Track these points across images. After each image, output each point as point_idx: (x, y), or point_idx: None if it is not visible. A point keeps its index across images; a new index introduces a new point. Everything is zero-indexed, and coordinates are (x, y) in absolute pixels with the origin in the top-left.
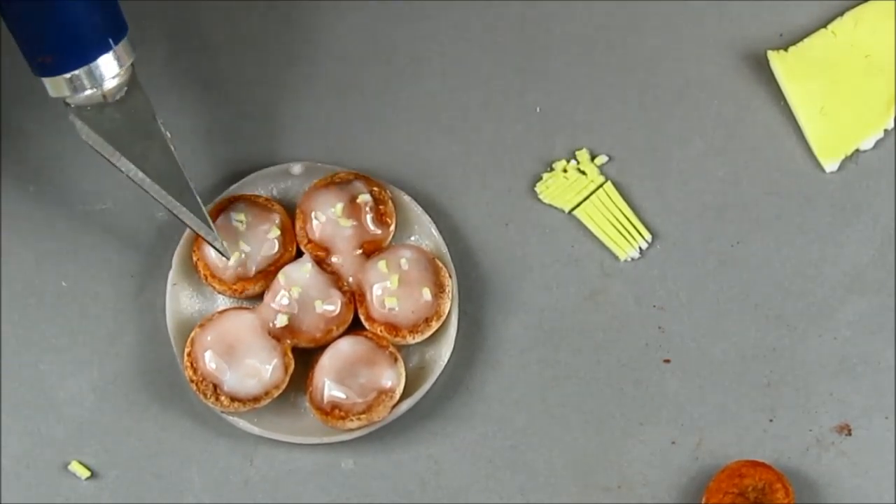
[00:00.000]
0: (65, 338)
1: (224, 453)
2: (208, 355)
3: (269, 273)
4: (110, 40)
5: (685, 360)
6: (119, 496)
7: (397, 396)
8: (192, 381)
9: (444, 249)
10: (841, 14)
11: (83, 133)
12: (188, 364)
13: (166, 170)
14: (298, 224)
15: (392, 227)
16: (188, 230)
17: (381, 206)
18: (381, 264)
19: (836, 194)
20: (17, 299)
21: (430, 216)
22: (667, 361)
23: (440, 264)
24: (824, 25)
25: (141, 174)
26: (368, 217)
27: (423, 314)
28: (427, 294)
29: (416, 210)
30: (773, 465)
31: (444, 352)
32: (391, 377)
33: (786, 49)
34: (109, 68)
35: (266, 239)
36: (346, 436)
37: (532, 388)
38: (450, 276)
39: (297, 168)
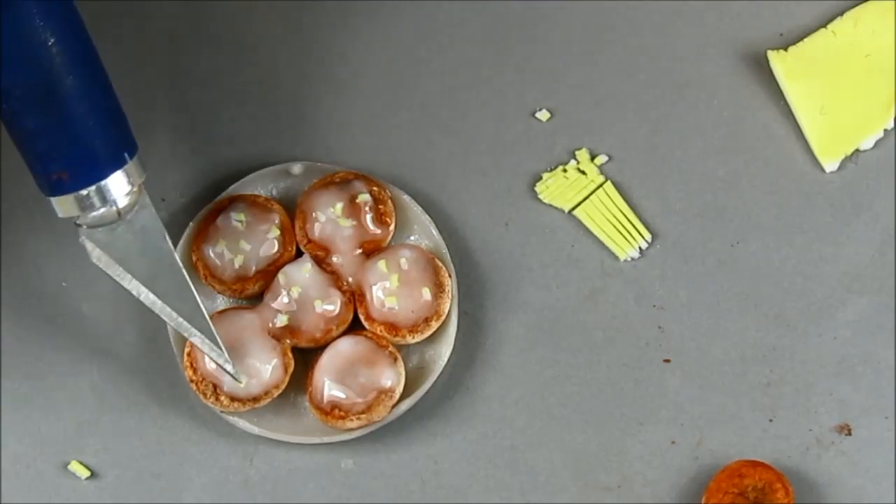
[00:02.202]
0: (65, 338)
1: (224, 453)
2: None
3: (268, 273)
4: (125, 154)
5: (685, 360)
6: (119, 496)
7: (397, 396)
8: (191, 380)
9: (444, 249)
10: (841, 14)
11: (94, 256)
12: (188, 364)
13: (176, 290)
14: (298, 224)
15: (392, 227)
16: (188, 230)
17: (380, 206)
18: (381, 264)
19: (836, 194)
20: (17, 299)
21: (429, 216)
22: (667, 361)
23: (440, 264)
24: (824, 25)
25: (151, 297)
26: (368, 217)
27: (423, 314)
28: (427, 294)
29: (416, 210)
30: (773, 465)
31: (443, 351)
32: (391, 377)
33: (786, 49)
34: (121, 186)
35: (266, 238)
36: (346, 436)
37: (532, 388)
38: (449, 276)
39: (296, 168)
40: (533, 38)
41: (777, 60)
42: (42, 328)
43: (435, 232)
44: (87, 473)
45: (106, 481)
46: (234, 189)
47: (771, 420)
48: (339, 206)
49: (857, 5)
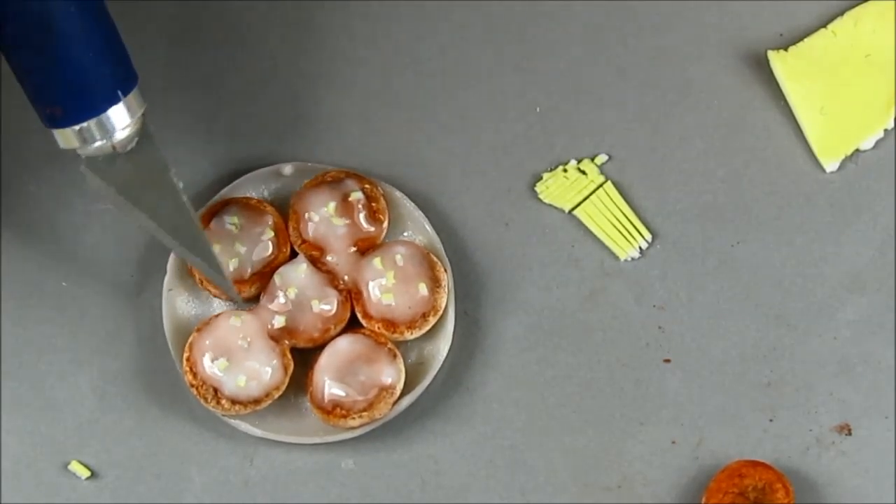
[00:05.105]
0: (65, 338)
1: (224, 453)
2: (207, 359)
3: (264, 275)
4: (119, 91)
5: (685, 360)
6: (119, 496)
7: (398, 392)
8: (192, 385)
9: (438, 244)
10: (841, 14)
11: (94, 185)
12: (188, 369)
13: (179, 220)
14: (292, 224)
15: (385, 224)
16: None
17: (373, 204)
18: (376, 261)
19: (836, 194)
20: (17, 299)
21: (422, 212)
22: (667, 361)
23: (435, 259)
24: (824, 25)
25: (154, 225)
26: (361, 215)
27: (420, 309)
28: (423, 289)
29: (409, 206)
30: (773, 465)
31: (442, 346)
32: (391, 374)
33: (786, 49)
34: (120, 119)
35: (260, 241)
36: (347, 435)
37: (532, 388)
38: (445, 271)
39: (287, 168)
40: (533, 38)
41: (777, 60)
42: (42, 328)
43: (428, 227)
44: (87, 473)
45: (106, 481)
46: (226, 192)
47: (771, 420)
48: (332, 205)
49: (857, 5)
